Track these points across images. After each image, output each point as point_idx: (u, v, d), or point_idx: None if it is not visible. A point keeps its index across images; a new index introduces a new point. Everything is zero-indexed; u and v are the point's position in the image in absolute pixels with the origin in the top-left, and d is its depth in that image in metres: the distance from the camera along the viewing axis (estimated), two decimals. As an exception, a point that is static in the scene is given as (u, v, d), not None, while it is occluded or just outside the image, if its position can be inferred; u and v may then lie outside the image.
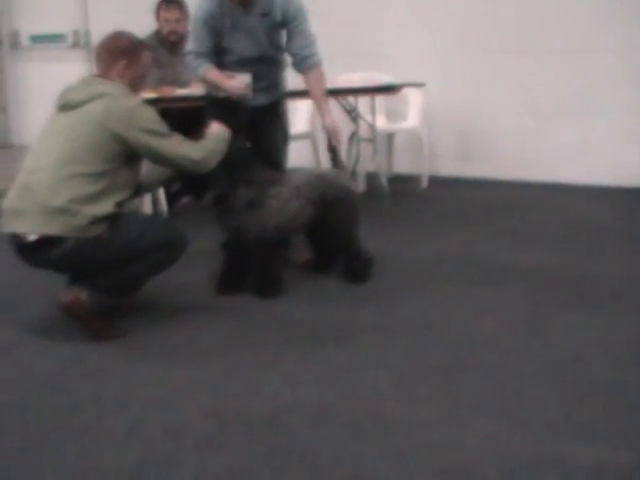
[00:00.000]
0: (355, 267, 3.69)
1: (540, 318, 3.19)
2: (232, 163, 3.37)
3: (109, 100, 2.99)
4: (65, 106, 3.04)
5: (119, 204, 3.02)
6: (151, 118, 3.06)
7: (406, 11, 6.31)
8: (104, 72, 3.13)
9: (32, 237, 2.91)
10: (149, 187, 3.57)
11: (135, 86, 3.18)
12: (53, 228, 2.89)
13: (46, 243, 2.91)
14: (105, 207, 2.95)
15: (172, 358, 2.88)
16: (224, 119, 3.35)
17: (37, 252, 2.96)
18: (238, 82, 3.56)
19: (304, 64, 3.66)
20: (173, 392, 2.59)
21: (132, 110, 3.00)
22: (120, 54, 3.12)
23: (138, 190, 3.32)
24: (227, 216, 3.44)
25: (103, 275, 3.03)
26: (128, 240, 3.01)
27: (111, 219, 2.98)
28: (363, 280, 3.66)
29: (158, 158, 3.11)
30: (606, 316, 3.19)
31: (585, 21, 5.76)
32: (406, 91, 5.56)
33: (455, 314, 3.26)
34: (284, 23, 3.60)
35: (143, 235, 3.06)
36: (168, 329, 3.14)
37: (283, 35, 3.67)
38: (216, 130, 3.30)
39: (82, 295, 2.95)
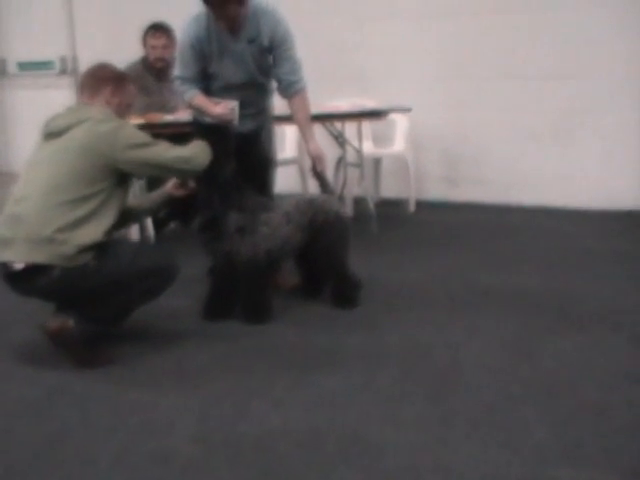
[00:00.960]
0: (344, 292, 3.68)
1: (527, 340, 3.20)
2: (223, 189, 3.38)
3: (90, 124, 3.00)
4: (50, 134, 3.05)
5: (107, 232, 3.02)
6: (134, 133, 3.08)
7: (392, 37, 6.38)
8: (90, 99, 3.15)
9: (18, 265, 2.91)
10: (139, 216, 3.57)
11: (121, 113, 3.19)
12: (39, 257, 2.88)
13: (33, 272, 2.90)
14: (93, 235, 2.94)
15: (159, 384, 2.87)
16: (211, 145, 3.36)
17: (24, 281, 2.95)
18: (224, 108, 3.58)
19: (290, 90, 3.68)
20: (160, 418, 2.58)
21: (115, 131, 3.00)
22: (106, 80, 3.15)
23: (128, 218, 3.32)
24: (216, 242, 3.43)
25: (93, 303, 3.02)
26: (118, 268, 3.01)
27: (99, 247, 2.97)
28: (352, 305, 3.66)
29: (152, 167, 3.10)
30: (592, 338, 3.21)
31: (570, 47, 5.83)
32: (393, 116, 5.60)
33: (443, 337, 3.26)
34: (271, 49, 3.61)
35: (134, 262, 3.06)
36: (155, 355, 3.13)
37: (270, 61, 3.69)
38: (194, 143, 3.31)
39: (69, 322, 2.94)
